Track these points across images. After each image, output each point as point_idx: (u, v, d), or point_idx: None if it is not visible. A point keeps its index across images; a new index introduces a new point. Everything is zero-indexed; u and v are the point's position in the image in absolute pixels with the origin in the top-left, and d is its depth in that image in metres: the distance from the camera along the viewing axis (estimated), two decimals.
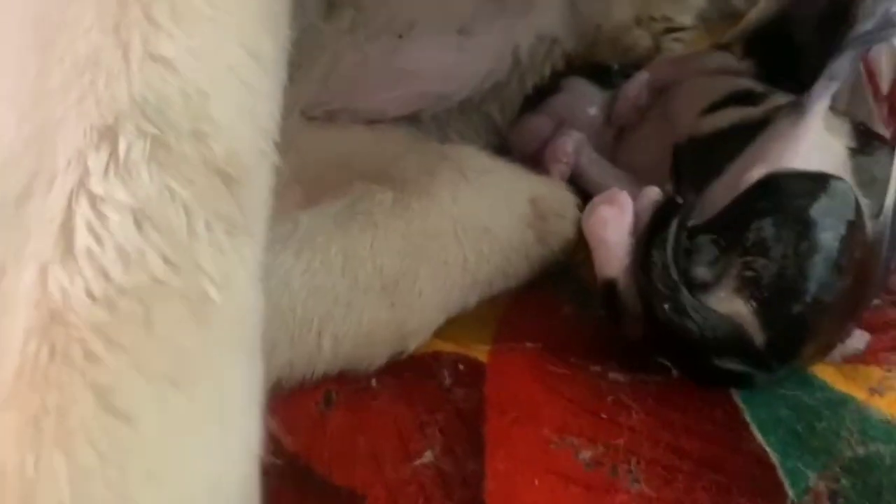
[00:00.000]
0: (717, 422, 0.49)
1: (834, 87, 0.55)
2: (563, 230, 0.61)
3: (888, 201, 0.51)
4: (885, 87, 0.62)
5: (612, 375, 0.53)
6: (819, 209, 0.49)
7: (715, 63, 0.68)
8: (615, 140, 0.71)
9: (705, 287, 0.49)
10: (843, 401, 0.50)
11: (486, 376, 0.54)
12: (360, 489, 0.46)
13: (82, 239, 0.34)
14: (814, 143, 0.53)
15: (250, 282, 0.38)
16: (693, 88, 0.67)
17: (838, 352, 0.52)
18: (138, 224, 0.34)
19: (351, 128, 0.66)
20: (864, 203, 0.50)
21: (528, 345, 0.56)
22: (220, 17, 0.38)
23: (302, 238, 0.53)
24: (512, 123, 0.74)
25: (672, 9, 0.79)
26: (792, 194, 0.50)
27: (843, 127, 0.55)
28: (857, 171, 0.52)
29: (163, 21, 0.36)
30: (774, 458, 0.46)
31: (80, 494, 0.30)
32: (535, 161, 0.69)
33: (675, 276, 0.49)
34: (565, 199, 0.62)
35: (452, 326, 0.57)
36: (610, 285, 0.52)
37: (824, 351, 0.51)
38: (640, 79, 0.69)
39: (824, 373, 0.52)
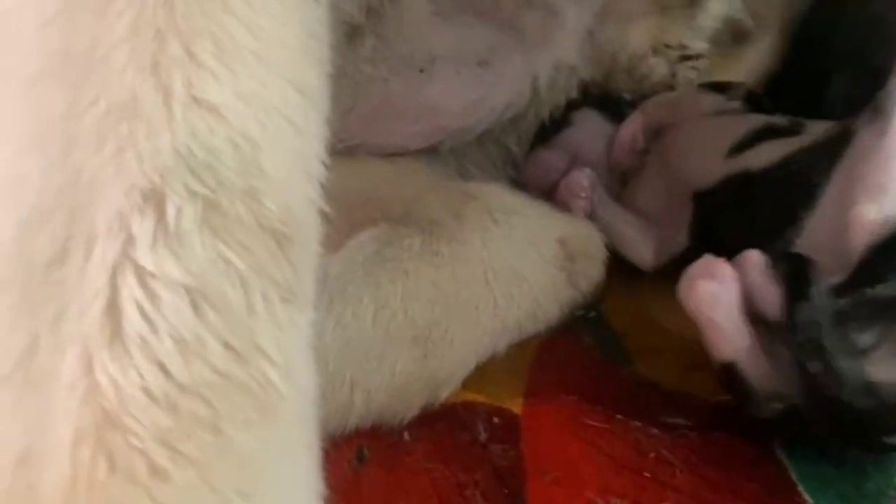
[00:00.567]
0: (763, 482, 0.48)
1: None
2: (593, 271, 0.60)
3: None
4: None
5: (652, 429, 0.52)
6: None
7: (709, 105, 0.67)
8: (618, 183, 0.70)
9: (865, 353, 0.44)
10: (889, 457, 0.49)
11: (521, 431, 0.52)
12: None
13: (133, 323, 0.30)
14: None
15: (307, 355, 0.35)
16: (698, 133, 0.64)
17: None
18: (195, 305, 0.31)
19: (371, 162, 0.65)
20: None
21: (563, 397, 0.54)
22: (264, 49, 0.34)
23: (332, 289, 0.52)
24: (526, 157, 0.72)
25: (687, 35, 0.78)
26: None
27: None
28: None
29: (205, 58, 0.33)
30: None
31: None
32: (549, 196, 0.67)
33: (836, 346, 0.44)
34: (593, 237, 0.61)
35: (482, 375, 0.56)
36: (729, 368, 0.48)
37: None
38: (635, 122, 0.68)
39: None
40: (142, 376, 0.30)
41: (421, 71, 0.63)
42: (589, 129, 0.70)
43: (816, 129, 0.56)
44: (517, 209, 0.59)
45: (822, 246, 0.48)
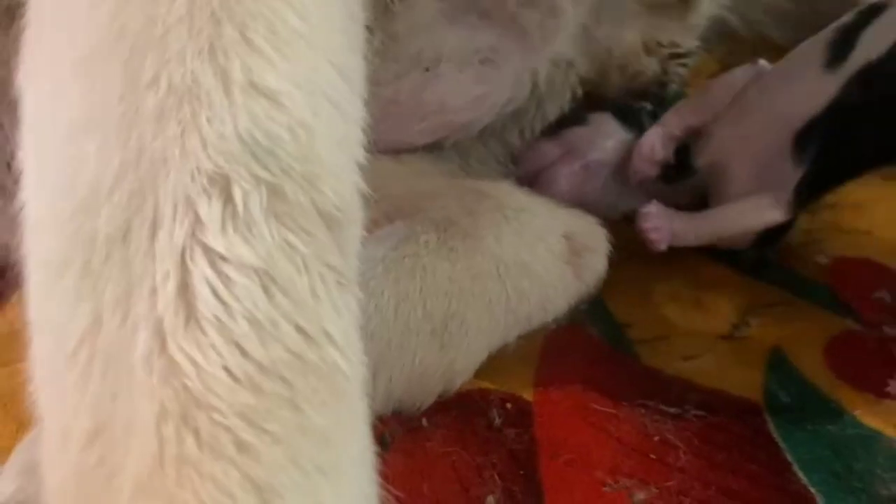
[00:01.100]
0: (761, 461, 0.52)
1: None
2: (597, 265, 0.63)
3: None
4: None
5: (656, 413, 0.55)
6: None
7: (740, 76, 0.69)
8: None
9: None
10: (874, 437, 0.53)
11: (533, 416, 0.56)
12: None
13: (207, 305, 0.31)
14: None
15: (358, 336, 0.35)
16: (767, 91, 0.65)
17: None
18: (265, 288, 0.31)
19: (381, 160, 0.67)
20: None
21: (571, 384, 0.58)
22: (312, 33, 0.34)
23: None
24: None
25: (677, 33, 0.81)
26: None
27: None
28: None
29: (260, 43, 0.33)
30: (819, 499, 0.49)
31: None
32: (531, 182, 0.70)
33: None
34: (596, 233, 0.64)
35: (495, 364, 0.59)
36: None
37: None
38: (654, 133, 0.69)
39: (853, 407, 0.55)
40: (221, 356, 0.30)
41: (426, 70, 0.65)
42: (602, 130, 0.73)
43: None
44: (526, 206, 0.62)
45: None
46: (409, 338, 0.55)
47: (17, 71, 0.37)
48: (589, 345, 0.61)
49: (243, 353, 0.31)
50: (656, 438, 0.53)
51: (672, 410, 0.55)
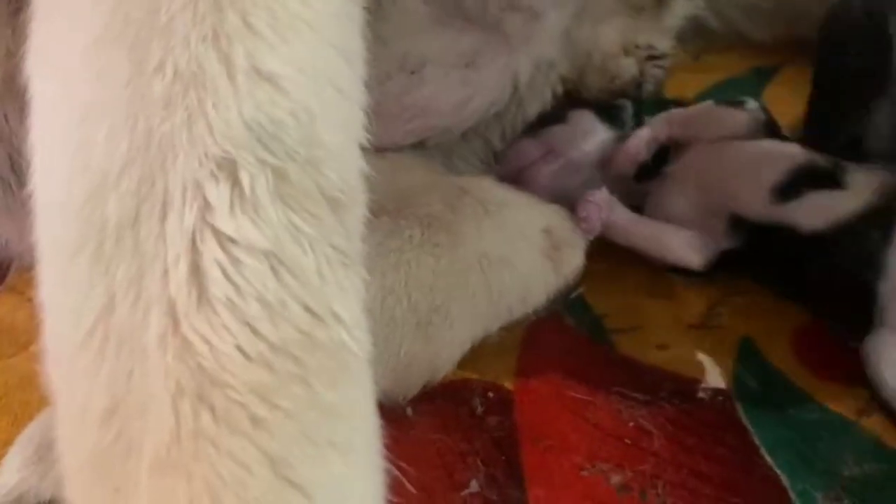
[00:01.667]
0: (730, 445, 0.54)
1: None
2: (574, 258, 0.65)
3: None
4: None
5: (630, 400, 0.58)
6: None
7: (731, 123, 0.70)
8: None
9: None
10: (837, 421, 0.56)
11: (514, 404, 0.58)
12: None
13: (219, 286, 0.32)
14: None
15: (364, 320, 0.36)
16: (737, 159, 0.67)
17: None
18: (274, 270, 0.33)
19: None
20: None
21: (550, 373, 0.60)
22: (315, 18, 0.35)
23: None
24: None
25: (654, 36, 0.83)
26: None
27: None
28: None
29: (262, 28, 0.34)
30: (785, 480, 0.52)
31: None
32: (514, 180, 0.72)
33: None
34: (574, 228, 0.66)
35: (477, 355, 0.61)
36: None
37: None
38: (641, 136, 0.72)
39: (818, 394, 0.58)
40: (233, 336, 0.32)
41: (412, 73, 0.67)
42: (581, 128, 0.75)
43: (857, 180, 0.62)
44: (507, 201, 0.64)
45: None
46: (395, 330, 0.57)
47: (23, 62, 0.38)
48: (567, 335, 0.64)
49: (255, 332, 0.32)
50: (631, 424, 0.56)
51: (646, 398, 0.58)
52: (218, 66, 0.33)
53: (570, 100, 0.76)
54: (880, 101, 0.66)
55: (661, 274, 0.68)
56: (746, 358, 0.61)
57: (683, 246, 0.66)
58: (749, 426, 0.56)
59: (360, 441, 0.35)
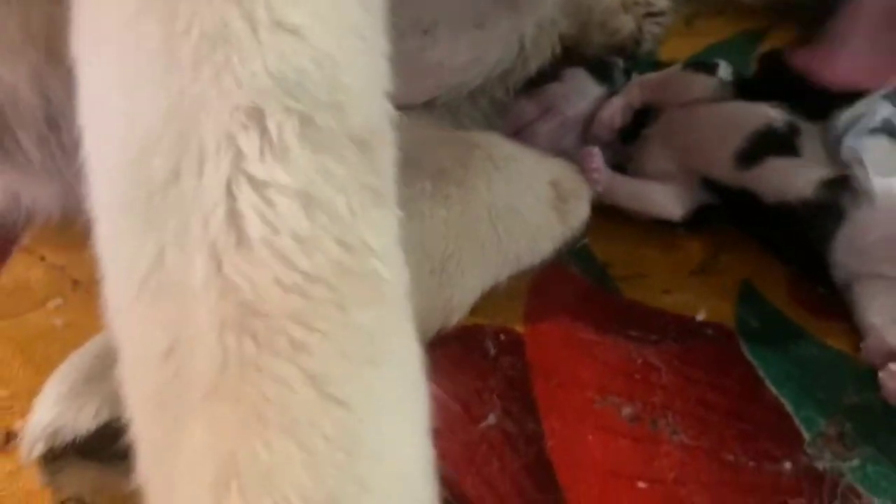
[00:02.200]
0: (736, 378, 0.57)
1: None
2: (581, 210, 0.67)
3: None
4: None
5: (638, 340, 0.60)
6: None
7: (700, 88, 0.72)
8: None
9: None
10: (836, 356, 0.59)
11: (525, 346, 0.60)
12: (439, 453, 0.52)
13: (255, 227, 0.34)
14: None
15: (399, 253, 0.38)
16: (704, 122, 0.69)
17: None
18: (306, 208, 0.34)
19: None
20: None
21: (559, 316, 0.62)
22: None
23: None
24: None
25: None
26: None
27: None
28: None
29: None
30: (789, 407, 0.54)
31: (316, 477, 0.32)
32: (514, 139, 0.74)
33: None
34: (580, 181, 0.68)
35: (486, 302, 0.63)
36: None
37: None
38: (615, 103, 0.74)
39: (816, 331, 0.61)
40: (271, 270, 0.34)
41: (425, 32, 0.69)
42: (575, 86, 0.77)
43: (812, 147, 0.64)
44: (514, 156, 0.66)
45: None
46: (411, 279, 0.59)
47: (64, 28, 0.40)
48: (573, 283, 0.66)
49: (290, 265, 0.34)
50: (639, 361, 0.58)
51: (653, 337, 0.60)
52: (241, 23, 0.35)
53: (565, 58, 0.78)
54: None
55: (661, 226, 0.70)
56: (747, 300, 0.63)
57: (664, 199, 0.69)
58: (753, 361, 0.58)
59: (400, 361, 0.37)
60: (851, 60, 0.51)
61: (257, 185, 0.34)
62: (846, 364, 0.58)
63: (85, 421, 0.48)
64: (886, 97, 0.63)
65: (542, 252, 0.66)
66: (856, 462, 0.51)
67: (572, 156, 0.73)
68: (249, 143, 0.35)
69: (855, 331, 0.60)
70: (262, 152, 0.35)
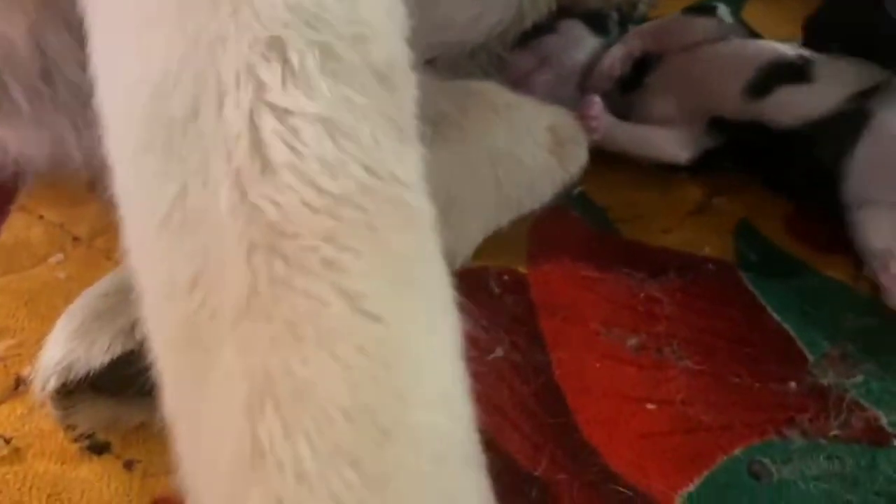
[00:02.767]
0: (739, 307, 0.58)
1: None
2: (579, 155, 0.68)
3: None
4: None
5: (639, 276, 0.61)
6: None
7: (700, 30, 0.73)
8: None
9: None
10: (835, 285, 0.60)
11: (529, 285, 0.61)
12: None
13: (280, 153, 0.34)
14: None
15: (424, 187, 0.38)
16: (711, 62, 0.70)
17: None
18: (331, 135, 0.34)
19: None
20: None
21: (561, 256, 0.63)
22: None
23: None
24: None
25: None
26: None
27: None
28: None
29: None
30: (792, 332, 0.55)
31: (354, 389, 0.31)
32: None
33: None
34: (577, 127, 0.69)
35: (489, 246, 0.64)
36: None
37: None
38: (615, 53, 0.75)
39: (815, 263, 0.62)
40: (298, 193, 0.33)
41: None
42: (571, 37, 0.77)
43: (825, 73, 0.64)
44: (513, 102, 0.67)
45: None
46: None
47: None
48: (574, 225, 0.67)
49: (318, 189, 0.34)
50: (642, 295, 0.59)
51: (655, 273, 0.61)
52: None
53: (559, 12, 0.79)
54: None
55: (658, 171, 0.71)
56: (745, 237, 0.65)
57: (669, 144, 0.69)
58: (754, 290, 0.59)
59: (431, 281, 0.36)
60: None
61: (280, 113, 0.34)
62: (846, 293, 0.59)
63: (97, 355, 0.48)
64: None
65: (542, 196, 0.67)
66: (859, 378, 0.52)
67: (569, 106, 0.73)
68: (271, 73, 0.35)
69: (853, 262, 0.61)
70: (283, 82, 0.35)
